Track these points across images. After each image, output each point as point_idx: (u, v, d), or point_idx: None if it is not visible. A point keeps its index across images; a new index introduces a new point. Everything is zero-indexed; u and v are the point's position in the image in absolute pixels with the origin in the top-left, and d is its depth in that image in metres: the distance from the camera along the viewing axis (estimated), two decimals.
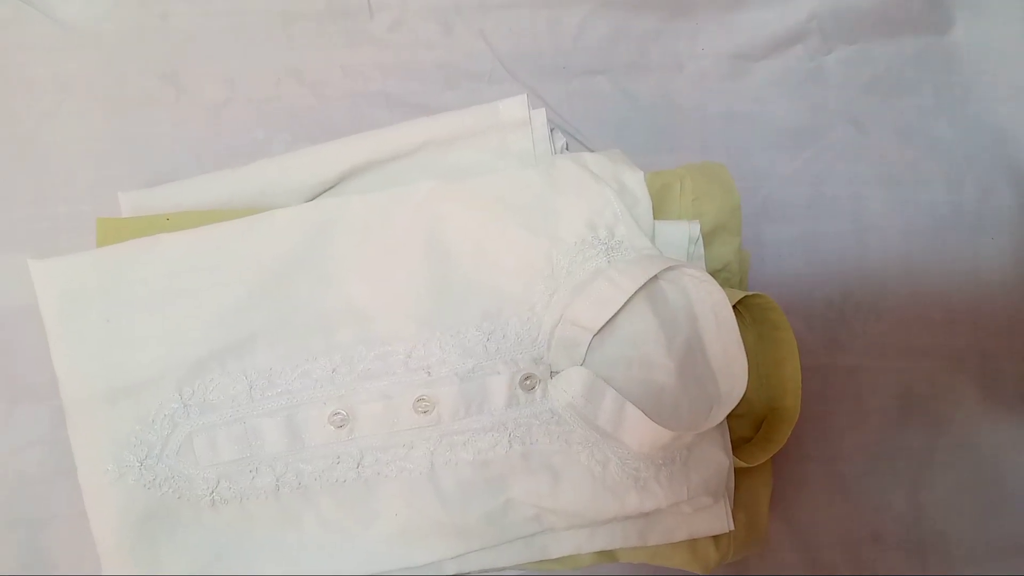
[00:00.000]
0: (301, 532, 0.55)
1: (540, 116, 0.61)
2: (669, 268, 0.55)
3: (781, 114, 0.70)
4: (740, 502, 0.61)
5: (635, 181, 0.58)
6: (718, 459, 0.56)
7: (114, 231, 0.56)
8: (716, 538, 0.59)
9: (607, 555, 0.60)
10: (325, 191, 0.60)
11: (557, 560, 0.59)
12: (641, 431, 0.53)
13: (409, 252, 0.55)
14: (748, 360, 0.56)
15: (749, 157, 0.70)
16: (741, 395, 0.55)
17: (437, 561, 0.56)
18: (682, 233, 0.60)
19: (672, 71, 0.70)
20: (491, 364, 0.54)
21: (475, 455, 0.54)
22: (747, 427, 0.62)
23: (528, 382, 0.54)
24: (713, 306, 0.57)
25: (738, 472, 0.59)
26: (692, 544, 0.59)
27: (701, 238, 0.61)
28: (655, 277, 0.56)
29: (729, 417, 0.56)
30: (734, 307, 0.57)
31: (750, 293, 0.59)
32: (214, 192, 0.59)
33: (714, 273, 0.62)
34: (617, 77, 0.70)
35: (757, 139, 0.70)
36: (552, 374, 0.55)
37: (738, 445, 0.60)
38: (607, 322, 0.54)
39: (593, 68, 0.70)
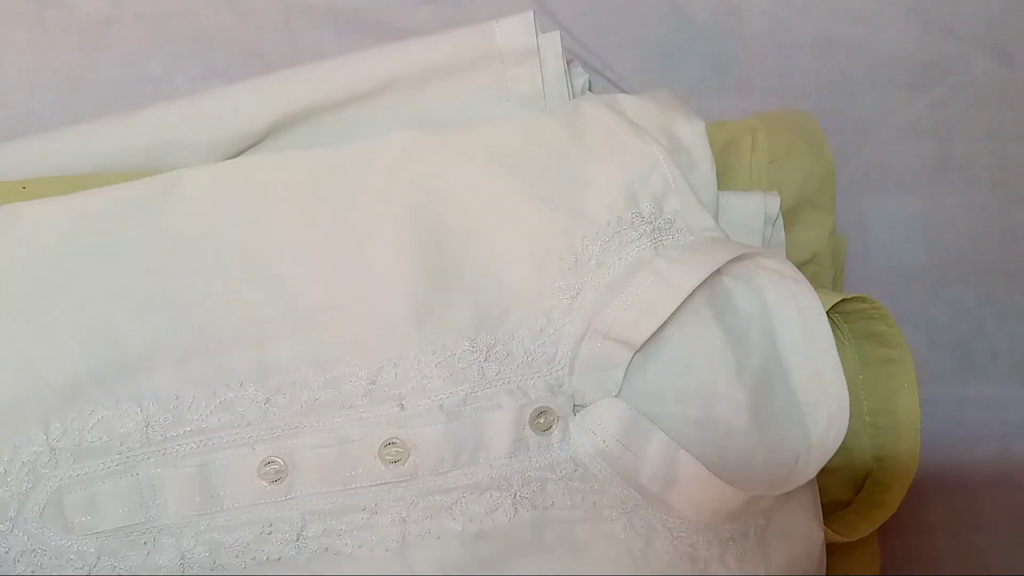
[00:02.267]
0: None
1: (553, 42, 0.60)
2: (739, 259, 0.55)
3: (894, 40, 0.70)
4: None
5: (693, 135, 0.59)
6: (809, 531, 0.56)
7: None
8: None
9: None
10: (248, 148, 0.60)
11: None
12: (700, 491, 0.53)
13: (373, 232, 0.55)
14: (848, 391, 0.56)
15: (848, 101, 0.70)
16: (840, 440, 0.55)
17: None
18: (755, 209, 0.60)
19: None
20: (490, 393, 0.54)
21: (465, 523, 0.54)
22: (844, 486, 0.63)
23: (542, 420, 0.54)
24: (800, 314, 0.57)
25: (832, 549, 0.59)
26: None
27: (781, 217, 0.61)
28: (718, 272, 0.55)
29: (818, 474, 0.56)
30: (827, 316, 0.57)
31: (848, 296, 0.59)
32: (90, 149, 0.59)
33: (798, 266, 0.61)
34: None
35: (860, 76, 0.70)
36: (575, 409, 0.55)
37: (832, 511, 0.60)
38: (652, 335, 0.54)
39: None
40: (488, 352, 0.54)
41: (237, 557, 0.54)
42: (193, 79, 0.67)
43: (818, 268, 0.64)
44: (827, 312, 0.57)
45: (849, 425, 0.55)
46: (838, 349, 0.56)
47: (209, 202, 0.55)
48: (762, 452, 0.56)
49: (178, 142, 0.58)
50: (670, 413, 0.55)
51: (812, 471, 0.54)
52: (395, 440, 0.53)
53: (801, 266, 0.63)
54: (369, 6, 0.68)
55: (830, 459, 0.55)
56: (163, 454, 0.53)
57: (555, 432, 0.54)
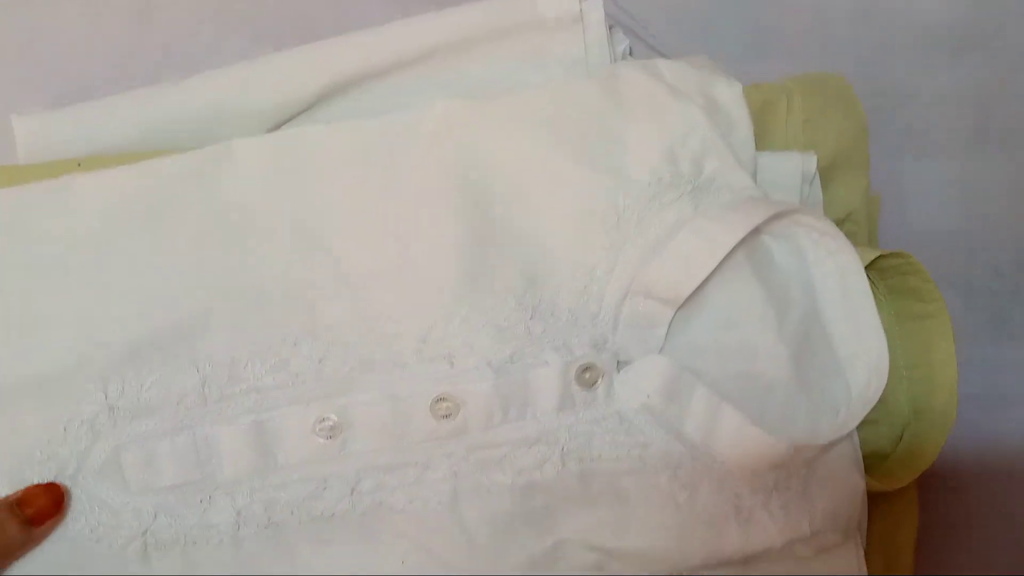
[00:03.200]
0: None
1: (596, 9, 0.61)
2: (778, 217, 0.56)
3: (933, 7, 0.70)
4: (876, 540, 0.61)
5: (731, 97, 0.59)
6: (851, 480, 0.56)
7: (5, 180, 0.57)
8: None
9: None
10: (297, 115, 0.61)
11: None
12: (744, 442, 0.54)
13: (420, 198, 0.56)
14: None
15: (885, 64, 0.70)
16: (880, 392, 0.55)
17: None
18: (792, 168, 0.60)
19: None
20: (536, 351, 0.55)
21: (515, 477, 0.55)
22: (883, 438, 0.63)
23: (587, 376, 0.55)
24: (839, 270, 0.57)
25: (872, 499, 0.60)
26: None
27: (818, 176, 0.61)
28: (757, 230, 0.56)
29: (859, 426, 0.57)
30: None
31: (885, 252, 0.59)
32: (143, 115, 0.59)
33: (835, 224, 0.62)
34: None
35: (898, 39, 0.70)
36: (619, 365, 0.56)
37: (872, 463, 0.61)
38: (694, 292, 0.54)
39: None
40: (534, 310, 0.55)
41: (292, 513, 0.55)
42: (243, 48, 0.67)
43: (854, 226, 0.64)
44: (864, 268, 0.57)
45: (887, 378, 0.56)
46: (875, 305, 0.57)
47: (261, 171, 0.56)
48: (803, 405, 0.56)
49: (229, 110, 0.59)
50: (712, 368, 0.56)
51: (853, 422, 0.55)
52: (445, 396, 0.54)
53: (837, 224, 0.63)
54: None
55: (869, 412, 0.55)
56: (219, 413, 0.54)
57: (600, 387, 0.55)
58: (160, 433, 0.54)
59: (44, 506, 0.52)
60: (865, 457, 0.58)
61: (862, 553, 0.59)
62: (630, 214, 0.56)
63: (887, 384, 0.56)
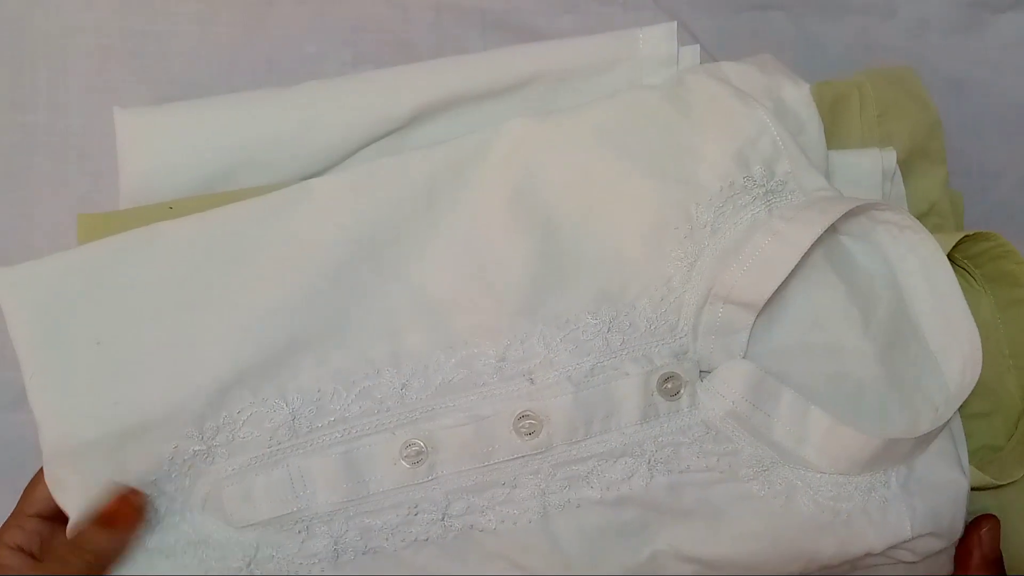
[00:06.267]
0: None
1: (692, 54, 0.62)
2: (856, 216, 0.56)
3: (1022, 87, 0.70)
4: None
5: (798, 97, 0.59)
6: (952, 479, 0.55)
7: (101, 226, 0.59)
8: None
9: None
10: (389, 133, 0.62)
11: None
12: (834, 442, 0.53)
13: (495, 220, 0.57)
14: (984, 334, 0.55)
15: (975, 145, 0.70)
16: (975, 381, 0.54)
17: None
18: (871, 166, 0.60)
19: (880, 13, 0.71)
20: (616, 363, 0.55)
21: (603, 491, 0.55)
22: (997, 430, 0.62)
23: (669, 385, 0.55)
24: (923, 263, 0.57)
25: (986, 495, 0.59)
26: None
27: (899, 171, 0.61)
28: (833, 229, 0.56)
29: (970, 420, 0.56)
30: (952, 261, 0.57)
31: (971, 232, 0.59)
32: (240, 119, 0.61)
33: (918, 218, 0.61)
34: (801, 14, 0.70)
35: (988, 120, 0.70)
36: (702, 374, 0.56)
37: (985, 457, 0.60)
38: (774, 296, 0.54)
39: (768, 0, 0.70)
40: (611, 323, 0.56)
41: (387, 540, 0.56)
42: (344, 63, 0.70)
43: (939, 219, 0.63)
44: (956, 258, 0.57)
45: (994, 369, 0.55)
46: (973, 295, 0.56)
47: (338, 205, 0.57)
48: (896, 401, 0.56)
49: (325, 120, 0.60)
50: (799, 370, 0.56)
51: (948, 414, 0.54)
52: (528, 413, 0.55)
53: (921, 217, 0.62)
54: (516, 8, 0.69)
55: (978, 404, 0.55)
56: (310, 445, 0.55)
57: (683, 397, 0.55)
58: (256, 468, 0.55)
59: (124, 512, 0.53)
60: (978, 451, 0.58)
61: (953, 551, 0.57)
62: (703, 221, 0.56)
63: (994, 374, 0.56)
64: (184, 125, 0.61)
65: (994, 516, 0.58)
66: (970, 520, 0.57)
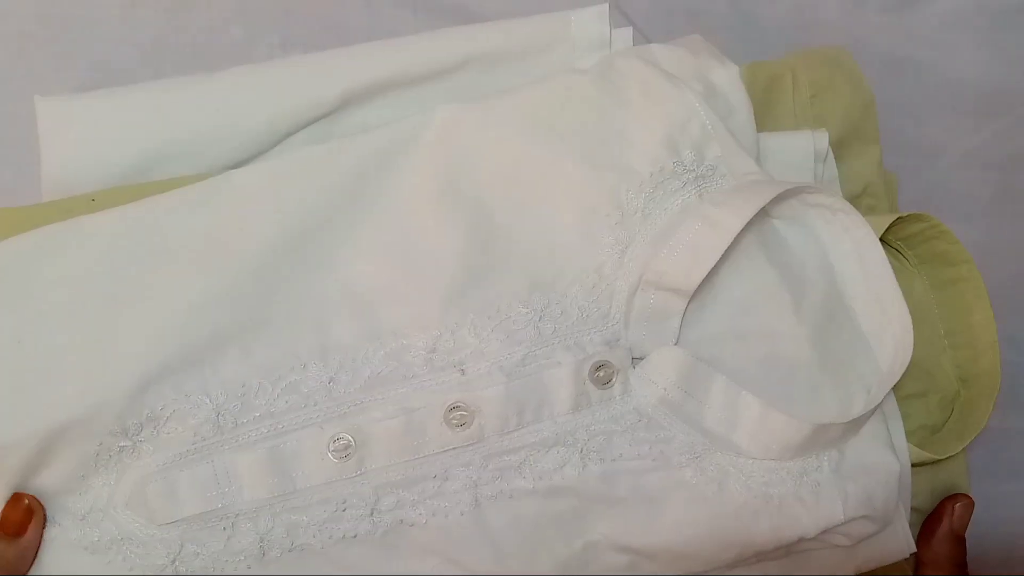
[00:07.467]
0: None
1: (625, 37, 0.62)
2: (787, 199, 0.55)
3: (963, 66, 0.71)
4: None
5: (728, 79, 0.59)
6: (884, 460, 0.56)
7: (23, 221, 0.57)
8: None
9: None
10: (319, 118, 0.61)
11: None
12: (767, 428, 0.53)
13: (424, 208, 0.56)
14: (919, 315, 0.56)
15: (913, 124, 0.70)
16: (906, 363, 0.55)
17: None
18: (804, 147, 0.60)
19: None
20: (548, 352, 0.55)
21: (536, 481, 0.55)
22: (933, 410, 0.63)
23: (601, 374, 0.55)
24: (855, 245, 0.57)
25: (925, 468, 0.60)
26: None
27: (831, 153, 0.61)
28: (765, 213, 0.56)
29: (906, 401, 0.56)
30: (886, 243, 0.57)
31: (904, 215, 0.59)
32: (163, 106, 0.60)
33: (852, 200, 0.62)
34: None
35: (926, 99, 0.70)
36: (634, 361, 0.56)
37: (923, 436, 0.61)
38: (706, 281, 0.54)
39: None
40: (543, 312, 0.55)
41: (314, 537, 0.55)
42: (272, 47, 0.69)
43: (873, 200, 0.63)
44: (889, 240, 0.57)
45: (929, 349, 0.55)
46: (906, 277, 0.57)
47: (261, 199, 0.56)
48: (828, 384, 0.56)
49: (251, 107, 0.59)
50: (732, 355, 0.56)
51: (880, 396, 0.54)
52: (459, 404, 0.54)
53: (855, 199, 0.62)
54: None
55: (913, 385, 0.56)
56: (236, 441, 0.55)
57: (616, 385, 0.55)
58: (180, 464, 0.54)
59: (16, 517, 0.53)
60: (915, 432, 0.58)
61: (907, 528, 0.58)
62: (634, 207, 0.56)
63: (931, 355, 0.56)
64: (107, 113, 0.60)
65: (969, 496, 0.59)
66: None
